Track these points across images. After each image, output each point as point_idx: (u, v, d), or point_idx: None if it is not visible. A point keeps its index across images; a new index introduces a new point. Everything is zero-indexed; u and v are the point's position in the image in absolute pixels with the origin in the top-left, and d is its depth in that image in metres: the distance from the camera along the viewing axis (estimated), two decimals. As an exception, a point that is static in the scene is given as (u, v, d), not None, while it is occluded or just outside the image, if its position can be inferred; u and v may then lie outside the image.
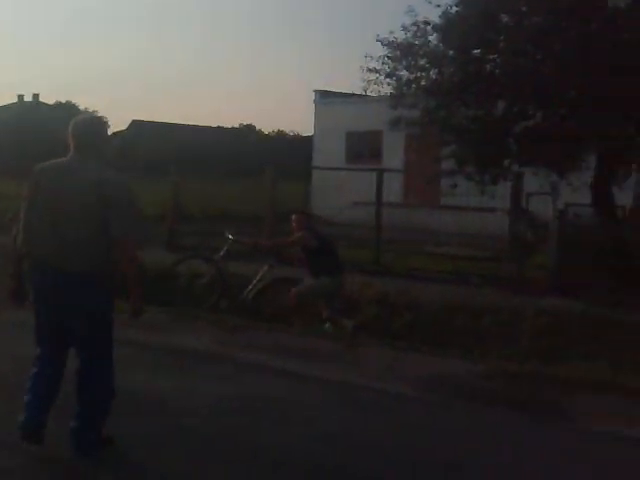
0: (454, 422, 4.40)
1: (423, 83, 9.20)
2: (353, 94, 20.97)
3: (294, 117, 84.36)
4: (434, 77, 9.09)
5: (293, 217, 7.53)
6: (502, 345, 6.58)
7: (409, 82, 9.15)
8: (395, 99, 9.38)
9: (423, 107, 9.22)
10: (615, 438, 4.12)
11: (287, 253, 8.33)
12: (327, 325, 7.92)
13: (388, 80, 9.34)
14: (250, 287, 7.85)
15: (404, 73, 9.23)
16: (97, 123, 3.81)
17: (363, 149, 19.48)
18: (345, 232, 14.39)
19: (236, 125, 45.64)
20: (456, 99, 8.90)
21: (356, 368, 5.47)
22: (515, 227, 8.96)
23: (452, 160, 9.80)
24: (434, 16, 9.07)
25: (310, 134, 41.90)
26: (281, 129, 46.57)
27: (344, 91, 21.02)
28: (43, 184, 3.53)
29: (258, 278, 7.89)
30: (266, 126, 73.20)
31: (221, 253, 8.11)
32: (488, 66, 8.77)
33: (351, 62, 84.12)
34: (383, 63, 9.29)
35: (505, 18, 8.45)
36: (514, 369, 5.21)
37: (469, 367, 5.47)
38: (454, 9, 8.68)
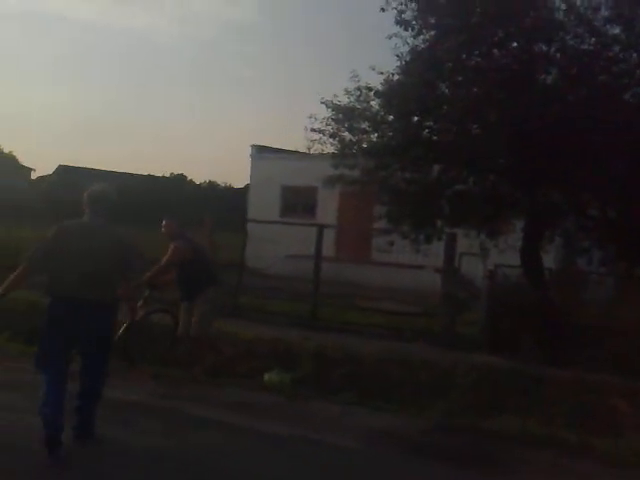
0: (397, 475, 4.50)
1: (364, 145, 9.59)
2: (289, 150, 21.57)
3: (226, 168, 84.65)
4: (375, 140, 9.50)
5: (163, 223, 6.95)
6: (437, 399, 6.78)
7: (351, 143, 9.54)
8: (337, 159, 9.72)
9: (363, 167, 9.60)
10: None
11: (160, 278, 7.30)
12: (266, 377, 7.95)
13: (331, 140, 9.69)
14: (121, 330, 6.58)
15: (346, 134, 9.62)
16: (110, 193, 4.85)
17: (298, 203, 19.86)
18: (279, 285, 14.56)
19: (167, 174, 45.34)
20: (394, 162, 9.31)
21: (300, 421, 5.51)
22: (447, 285, 9.33)
23: (386, 218, 10.24)
24: (376, 82, 9.57)
25: (241, 186, 42.42)
26: (212, 180, 46.61)
27: (279, 146, 21.58)
28: (71, 239, 4.62)
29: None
30: (197, 176, 73.16)
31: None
32: (425, 132, 9.25)
33: (287, 118, 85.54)
34: (327, 124, 9.67)
35: (443, 87, 8.99)
36: (452, 424, 5.39)
37: (409, 421, 5.62)
38: (395, 77, 9.16)
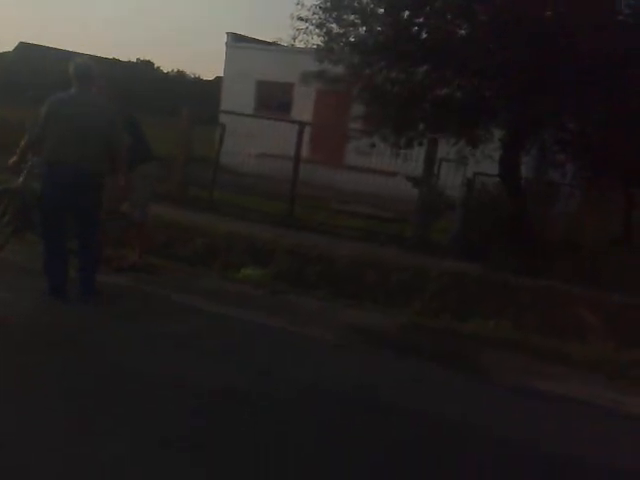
0: (374, 369, 4.65)
1: (351, 39, 9.22)
2: (266, 42, 20.68)
3: (195, 58, 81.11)
4: (362, 34, 9.13)
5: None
6: (410, 300, 6.94)
7: (338, 36, 9.15)
8: (322, 52, 9.35)
9: (348, 63, 9.27)
10: (531, 393, 4.45)
11: None
12: (242, 271, 8.00)
13: (317, 31, 9.28)
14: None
15: (334, 26, 9.21)
16: (92, 65, 5.17)
17: (273, 99, 19.30)
18: (252, 182, 14.41)
19: (133, 59, 43.34)
20: (381, 59, 9.01)
21: (280, 313, 5.60)
22: (423, 190, 9.33)
23: (367, 119, 10.03)
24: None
25: (211, 78, 40.88)
26: (181, 69, 44.81)
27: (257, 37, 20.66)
28: (62, 110, 5.00)
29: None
30: (165, 64, 70.22)
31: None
32: (415, 28, 8.92)
33: (267, 8, 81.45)
34: (314, 13, 9.22)
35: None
36: (428, 324, 5.54)
37: (385, 320, 5.75)
38: (387, -32, 8.70)
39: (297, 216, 10.73)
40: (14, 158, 5.43)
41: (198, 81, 41.96)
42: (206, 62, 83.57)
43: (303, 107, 18.14)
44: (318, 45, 9.71)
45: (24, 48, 39.57)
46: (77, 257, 5.30)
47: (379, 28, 8.79)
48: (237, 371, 4.21)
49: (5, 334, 4.41)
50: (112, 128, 5.11)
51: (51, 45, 39.51)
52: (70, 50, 39.54)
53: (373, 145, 9.44)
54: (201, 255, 8.41)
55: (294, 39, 9.64)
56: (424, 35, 8.73)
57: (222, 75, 20.94)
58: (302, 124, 10.83)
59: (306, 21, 9.27)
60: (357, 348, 5.00)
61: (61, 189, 5.00)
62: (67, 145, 4.95)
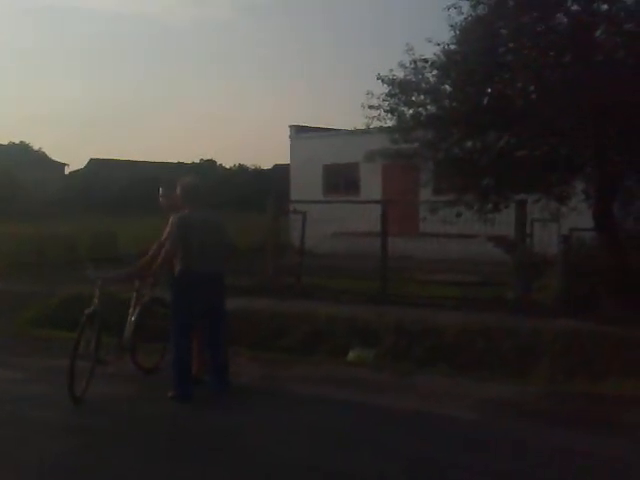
0: (521, 443, 4.53)
1: (422, 118, 9.55)
2: (327, 128, 21.52)
3: (255, 151, 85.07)
4: (433, 111, 9.46)
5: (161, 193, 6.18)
6: (531, 366, 6.86)
7: (410, 117, 9.51)
8: (396, 133, 9.71)
9: (423, 140, 9.58)
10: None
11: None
12: (350, 354, 8.09)
13: (389, 116, 9.67)
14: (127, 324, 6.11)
15: (404, 109, 9.58)
16: (198, 184, 5.87)
17: (340, 181, 19.87)
18: (331, 263, 14.67)
19: (197, 160, 45.56)
20: (456, 132, 9.28)
21: (409, 395, 5.62)
22: (519, 252, 9.33)
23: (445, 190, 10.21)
24: (429, 54, 9.50)
25: (269, 167, 42.47)
26: (242, 163, 46.71)
27: (307, 125, 21.51)
28: (196, 226, 5.59)
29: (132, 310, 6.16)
30: (226, 161, 73.39)
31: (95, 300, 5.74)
32: (486, 99, 9.19)
33: (316, 97, 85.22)
34: (384, 100, 9.63)
35: (503, 54, 8.91)
36: (565, 389, 5.45)
37: (517, 389, 5.68)
38: (452, 47, 9.10)
39: (389, 291, 10.82)
40: (149, 267, 5.80)
41: (258, 171, 43.57)
42: (265, 153, 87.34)
43: (370, 184, 18.59)
44: (389, 127, 10.10)
45: (95, 164, 42.27)
46: (211, 355, 5.72)
47: (452, 104, 9.08)
48: (389, 460, 4.19)
49: (156, 440, 4.59)
50: (226, 235, 5.88)
51: (119, 158, 41.85)
52: (136, 160, 42.15)
53: (459, 214, 9.56)
54: (307, 342, 8.61)
55: (367, 126, 10.03)
56: (496, 105, 8.95)
57: (280, 163, 21.79)
58: (385, 202, 11.09)
59: (377, 108, 9.68)
60: (502, 423, 4.92)
61: (200, 293, 5.52)
62: (203, 254, 5.55)
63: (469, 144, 9.39)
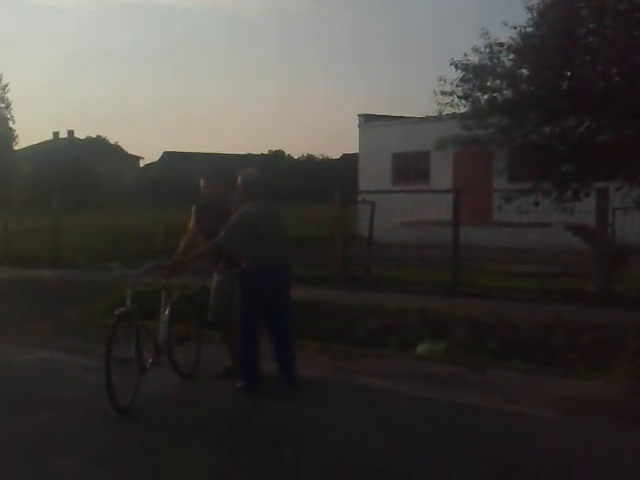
0: (616, 444, 4.28)
1: (498, 103, 9.25)
2: (396, 116, 21.24)
3: (324, 140, 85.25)
4: (510, 96, 9.14)
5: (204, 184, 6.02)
6: (614, 362, 6.51)
7: (485, 102, 9.23)
8: (470, 119, 9.45)
9: (498, 126, 9.28)
10: None
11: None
12: (419, 348, 7.93)
13: (463, 102, 9.41)
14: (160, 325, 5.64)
15: (479, 94, 9.31)
16: (259, 176, 5.73)
17: (409, 170, 19.59)
18: (400, 253, 14.47)
19: (265, 151, 46.02)
20: (533, 117, 8.94)
21: (486, 391, 5.44)
22: (600, 242, 8.89)
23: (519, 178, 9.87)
24: (504, 38, 9.19)
25: (337, 157, 42.39)
26: (310, 153, 46.87)
27: (379, 113, 21.26)
28: (262, 220, 5.52)
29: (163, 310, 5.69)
30: (295, 151, 74.00)
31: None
32: (566, 83, 8.81)
33: (384, 86, 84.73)
34: (457, 85, 9.39)
35: (583, 35, 8.51)
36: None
37: (600, 386, 5.40)
38: (529, 30, 8.75)
39: (461, 282, 10.55)
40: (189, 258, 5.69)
41: (327, 161, 43.62)
42: (333, 142, 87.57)
43: (441, 173, 18.24)
44: (462, 114, 9.84)
45: (169, 157, 43.37)
46: (277, 348, 5.59)
47: (530, 88, 8.75)
48: (469, 464, 4.00)
49: (226, 434, 4.58)
50: (285, 227, 5.79)
51: (192, 150, 42.75)
52: (207, 152, 42.96)
53: (537, 203, 9.22)
54: (377, 334, 8.50)
55: (440, 112, 9.80)
56: (577, 89, 8.56)
57: (348, 153, 21.67)
58: (457, 191, 10.82)
59: (451, 94, 9.45)
60: (586, 423, 4.66)
61: (268, 286, 5.46)
62: (270, 247, 5.49)
63: (547, 130, 9.07)
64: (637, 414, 4.78)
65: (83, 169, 38.66)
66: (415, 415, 4.88)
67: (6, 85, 39.76)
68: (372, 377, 5.92)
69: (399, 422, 4.74)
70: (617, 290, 8.92)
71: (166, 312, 5.59)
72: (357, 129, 20.81)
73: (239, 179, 5.64)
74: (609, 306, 8.30)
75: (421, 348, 7.86)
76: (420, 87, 75.26)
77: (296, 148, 75.20)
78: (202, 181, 6.08)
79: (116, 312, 5.06)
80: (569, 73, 8.76)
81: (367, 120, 20.61)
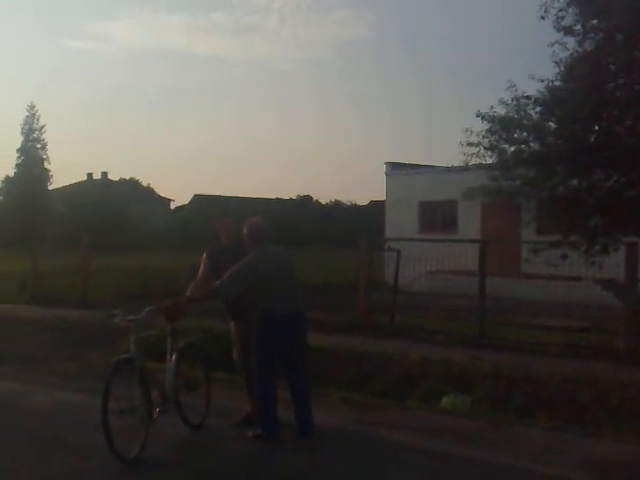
0: None
1: (524, 155, 9.27)
2: (423, 165, 21.39)
3: (351, 187, 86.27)
4: (537, 149, 9.16)
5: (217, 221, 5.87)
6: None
7: (512, 154, 9.26)
8: (496, 171, 9.48)
9: (525, 178, 9.28)
10: None
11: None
12: (444, 400, 7.77)
13: (489, 153, 9.45)
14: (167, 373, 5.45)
15: (506, 146, 9.35)
16: (262, 225, 5.56)
17: (436, 218, 19.59)
18: (425, 302, 14.34)
19: (294, 196, 46.54)
20: (561, 170, 8.92)
21: (509, 449, 5.30)
22: (630, 298, 8.73)
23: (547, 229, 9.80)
24: (531, 91, 9.27)
25: (365, 203, 42.67)
26: (338, 199, 47.24)
27: (407, 161, 21.43)
28: (269, 265, 5.40)
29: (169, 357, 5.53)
30: (323, 196, 74.76)
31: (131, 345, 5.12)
32: (594, 137, 8.80)
33: (412, 134, 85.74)
34: (483, 137, 9.44)
35: (611, 90, 8.53)
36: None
37: (631, 449, 5.22)
38: (556, 83, 8.82)
39: (487, 334, 10.39)
40: (184, 301, 5.35)
41: (354, 207, 43.86)
42: (360, 189, 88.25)
43: (469, 222, 18.20)
44: (489, 165, 9.87)
45: (199, 200, 44.08)
46: (293, 399, 5.49)
47: (558, 141, 8.77)
48: None
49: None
50: (294, 272, 5.65)
51: (222, 194, 43.39)
52: (238, 196, 43.56)
53: (565, 256, 9.12)
54: (399, 385, 8.37)
55: (466, 163, 9.85)
56: (605, 143, 8.54)
57: (376, 199, 21.82)
58: (483, 242, 10.77)
59: (477, 145, 9.50)
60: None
61: (283, 333, 5.36)
62: (283, 293, 5.42)
63: (575, 183, 9.01)
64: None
65: (114, 210, 39.40)
66: (433, 472, 4.77)
67: (43, 126, 41.15)
68: (392, 430, 5.80)
69: (414, 479, 4.63)
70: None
71: (172, 358, 5.42)
72: (384, 176, 20.97)
73: (244, 229, 5.50)
74: (638, 365, 8.09)
75: (446, 401, 7.72)
76: (447, 137, 75.80)
77: (324, 193, 75.97)
78: (213, 220, 5.90)
79: (115, 359, 4.92)
80: (597, 127, 8.77)
81: (394, 168, 20.79)
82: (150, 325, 5.62)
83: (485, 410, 6.90)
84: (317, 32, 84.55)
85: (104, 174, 52.28)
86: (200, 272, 5.89)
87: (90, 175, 52.74)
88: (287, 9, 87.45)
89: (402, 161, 21.40)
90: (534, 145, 9.22)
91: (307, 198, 46.25)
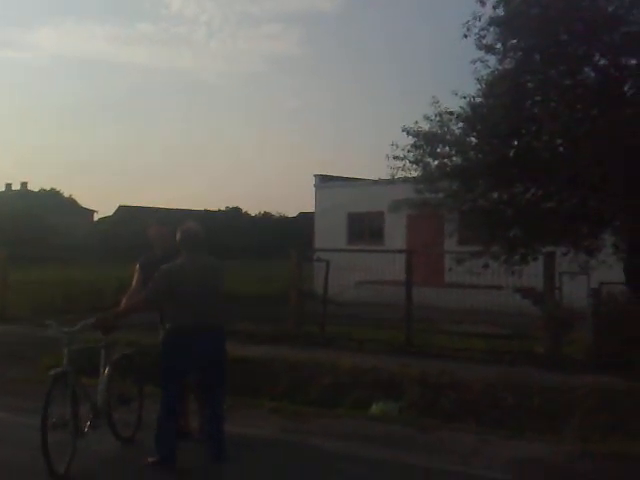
0: None
1: (448, 169, 9.59)
2: (351, 178, 21.73)
3: (279, 199, 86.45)
4: (459, 163, 9.49)
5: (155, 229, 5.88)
6: (563, 424, 6.63)
7: (436, 168, 9.56)
8: (421, 184, 9.76)
9: (448, 191, 9.59)
10: None
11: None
12: (374, 407, 7.91)
13: (414, 166, 9.73)
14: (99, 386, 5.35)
15: (430, 160, 9.64)
16: (199, 230, 5.23)
17: (364, 230, 19.92)
18: (353, 311, 14.52)
19: (222, 208, 46.14)
20: (482, 183, 9.27)
21: (437, 452, 5.45)
22: (549, 305, 9.16)
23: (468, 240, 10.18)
24: (454, 107, 9.61)
25: (294, 215, 42.88)
26: (267, 211, 47.21)
27: (334, 174, 21.73)
28: (187, 275, 5.01)
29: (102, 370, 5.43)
30: (252, 208, 74.45)
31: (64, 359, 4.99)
32: (512, 151, 9.20)
33: (337, 147, 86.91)
34: (408, 151, 9.71)
35: (530, 107, 8.96)
36: (600, 449, 5.24)
37: (549, 449, 5.48)
38: (478, 100, 9.18)
39: (415, 342, 10.64)
40: (118, 313, 5.25)
41: (283, 219, 43.95)
42: (289, 201, 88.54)
43: (394, 233, 18.59)
44: (414, 178, 10.15)
45: (123, 211, 43.05)
46: (206, 419, 5.12)
47: (479, 155, 9.11)
48: None
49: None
50: (222, 282, 5.24)
51: (148, 205, 42.51)
52: (164, 207, 42.78)
53: (486, 266, 9.47)
54: (329, 393, 8.45)
55: (392, 176, 10.09)
56: (523, 157, 8.95)
57: (305, 211, 21.98)
58: (410, 252, 11.04)
59: (402, 159, 9.76)
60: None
61: (193, 349, 4.92)
62: (196, 307, 4.96)
63: (495, 195, 9.38)
64: (585, 477, 4.85)
65: (34, 222, 37.92)
66: (365, 478, 4.85)
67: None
68: (325, 438, 5.87)
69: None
70: (565, 353, 9.14)
71: (105, 372, 5.30)
72: (313, 188, 21.16)
73: (178, 232, 5.19)
74: (558, 369, 8.48)
75: (375, 408, 7.86)
76: (374, 150, 77.38)
77: (253, 205, 75.83)
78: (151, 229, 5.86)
79: (51, 373, 4.81)
80: (516, 142, 9.16)
81: (322, 180, 21.02)
82: (83, 338, 5.42)
83: (414, 416, 7.05)
84: (246, 46, 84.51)
85: (23, 184, 50.38)
86: (134, 282, 5.77)
87: (9, 185, 50.70)
88: (215, 22, 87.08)
89: (331, 174, 21.67)
90: (456, 159, 9.54)
91: (236, 209, 46.08)
